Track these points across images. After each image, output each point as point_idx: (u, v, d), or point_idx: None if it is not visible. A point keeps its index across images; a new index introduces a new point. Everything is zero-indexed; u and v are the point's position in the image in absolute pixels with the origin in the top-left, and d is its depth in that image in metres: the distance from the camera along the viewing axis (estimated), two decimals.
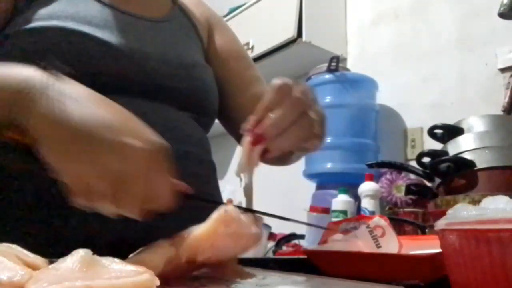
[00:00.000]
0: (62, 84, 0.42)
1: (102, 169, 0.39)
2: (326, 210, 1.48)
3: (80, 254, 0.30)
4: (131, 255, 0.37)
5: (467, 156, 0.84)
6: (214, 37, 0.82)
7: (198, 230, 0.38)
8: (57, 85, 0.42)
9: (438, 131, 0.98)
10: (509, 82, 1.28)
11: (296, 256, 0.50)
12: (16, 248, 0.34)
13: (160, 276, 0.29)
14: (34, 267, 0.31)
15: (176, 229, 0.43)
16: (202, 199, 0.53)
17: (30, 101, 0.40)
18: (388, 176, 1.47)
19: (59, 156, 0.39)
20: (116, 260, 0.32)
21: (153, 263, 0.34)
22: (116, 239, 0.55)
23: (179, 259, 0.36)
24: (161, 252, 0.36)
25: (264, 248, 1.65)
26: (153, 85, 0.64)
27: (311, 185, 1.73)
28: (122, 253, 0.32)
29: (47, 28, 0.59)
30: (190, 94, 0.68)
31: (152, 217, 0.42)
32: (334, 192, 1.49)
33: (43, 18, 0.60)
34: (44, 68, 0.43)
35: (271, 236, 1.91)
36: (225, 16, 2.19)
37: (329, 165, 1.60)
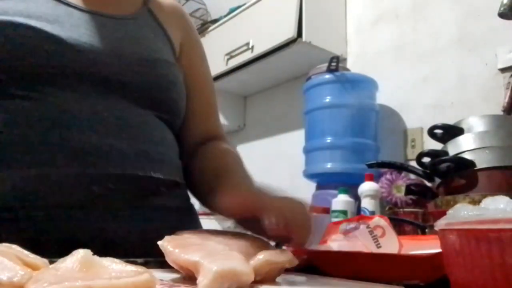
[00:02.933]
0: None
1: None
2: (326, 210, 1.48)
3: (80, 254, 0.30)
4: (216, 267, 0.32)
5: (467, 156, 0.84)
6: (184, 53, 0.79)
7: (268, 255, 0.37)
8: None
9: (438, 131, 0.98)
10: (509, 82, 1.28)
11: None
12: (16, 248, 0.34)
13: None
14: (34, 267, 0.31)
15: (128, 230, 0.41)
16: None
17: None
18: (388, 176, 1.46)
19: None
20: (116, 260, 0.32)
21: (247, 271, 0.33)
22: (65, 239, 0.54)
23: None
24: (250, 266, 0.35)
25: None
26: (105, 80, 0.62)
27: (311, 185, 1.73)
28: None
29: None
30: (147, 89, 0.66)
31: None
32: (334, 192, 1.49)
33: None
34: None
35: None
36: (225, 16, 2.19)
37: (329, 165, 1.60)
